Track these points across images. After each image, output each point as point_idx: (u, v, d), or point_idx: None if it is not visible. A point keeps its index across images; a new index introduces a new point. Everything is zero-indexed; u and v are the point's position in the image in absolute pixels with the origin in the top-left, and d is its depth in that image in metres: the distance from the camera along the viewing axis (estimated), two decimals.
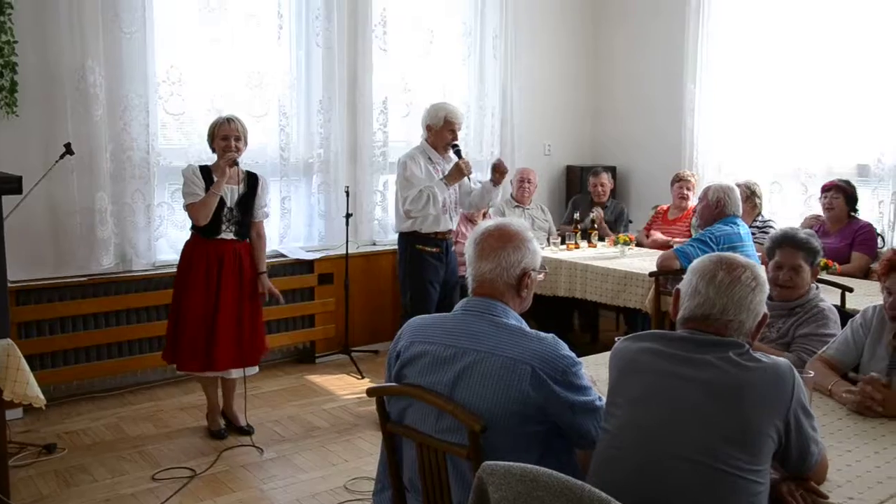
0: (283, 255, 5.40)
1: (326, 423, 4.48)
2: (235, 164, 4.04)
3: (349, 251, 5.52)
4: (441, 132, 4.42)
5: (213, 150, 4.11)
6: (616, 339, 2.08)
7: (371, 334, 5.83)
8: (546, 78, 6.79)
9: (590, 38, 7.06)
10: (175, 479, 3.72)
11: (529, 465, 1.63)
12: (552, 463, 1.78)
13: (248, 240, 4.21)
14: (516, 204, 6.13)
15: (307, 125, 5.50)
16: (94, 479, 3.75)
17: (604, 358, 2.19)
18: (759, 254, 4.28)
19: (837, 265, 4.63)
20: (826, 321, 2.85)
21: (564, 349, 2.00)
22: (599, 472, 1.87)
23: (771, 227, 5.07)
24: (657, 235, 5.61)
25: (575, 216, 5.85)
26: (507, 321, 2.06)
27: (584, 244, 5.62)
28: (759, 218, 5.21)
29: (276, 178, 5.31)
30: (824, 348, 2.72)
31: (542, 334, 2.02)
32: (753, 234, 4.73)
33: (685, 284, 1.97)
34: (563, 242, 5.59)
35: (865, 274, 4.68)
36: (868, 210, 5.16)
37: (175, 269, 4.23)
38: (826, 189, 5.02)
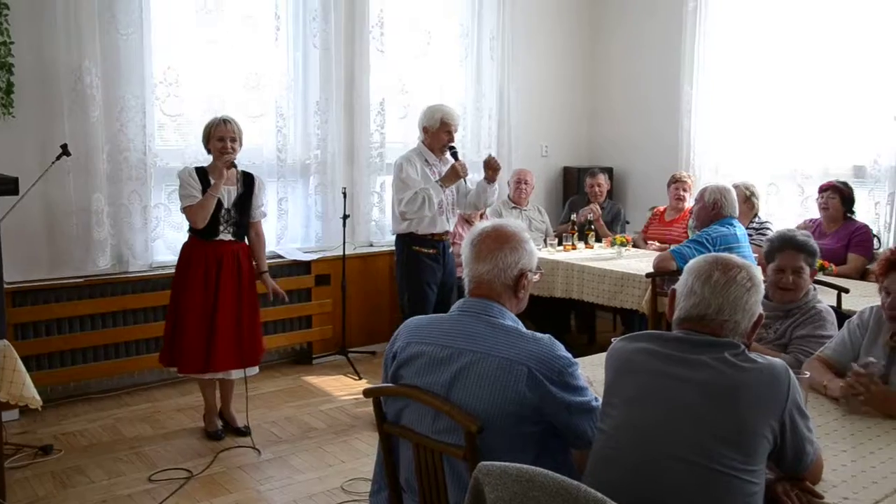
0: (280, 256, 5.40)
1: (323, 424, 4.48)
2: (233, 166, 4.05)
3: (346, 252, 5.53)
4: (437, 134, 4.42)
5: (209, 152, 4.11)
6: (612, 339, 2.08)
7: (368, 335, 5.83)
8: (543, 79, 6.80)
9: (587, 39, 7.07)
10: (171, 481, 3.71)
11: (525, 466, 1.63)
12: (548, 463, 1.78)
13: (245, 240, 4.21)
14: (513, 205, 6.13)
15: (304, 126, 5.50)
16: (91, 480, 3.74)
17: (600, 359, 2.19)
18: (756, 255, 4.29)
19: (834, 266, 4.64)
20: (823, 323, 2.86)
21: (560, 350, 2.00)
22: (595, 472, 1.87)
23: (768, 228, 5.09)
24: (656, 245, 5.58)
25: (572, 217, 5.85)
26: (504, 322, 2.06)
27: (580, 245, 5.63)
28: (756, 219, 5.22)
29: (273, 179, 5.31)
30: (821, 349, 2.73)
31: (539, 335, 2.02)
32: (750, 235, 4.73)
33: (681, 285, 1.97)
34: (560, 243, 5.59)
35: (861, 275, 4.70)
36: (864, 211, 5.17)
37: (171, 271, 4.23)
38: (823, 189, 5.04)
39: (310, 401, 4.86)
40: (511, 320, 2.08)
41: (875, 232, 5.06)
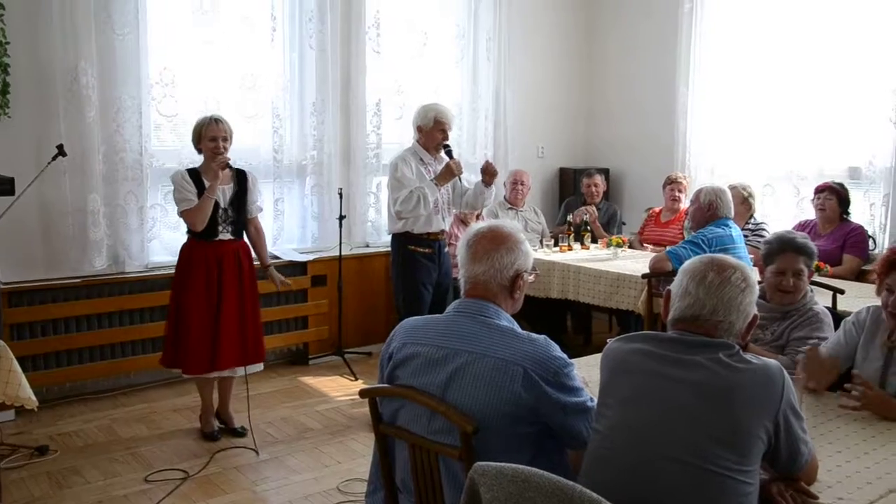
0: (276, 257, 5.38)
1: (319, 425, 4.48)
2: (228, 166, 4.05)
3: (342, 253, 5.53)
4: (431, 132, 4.42)
5: (199, 151, 4.10)
6: (608, 340, 2.09)
7: (364, 336, 5.82)
8: (539, 80, 6.80)
9: (583, 40, 7.08)
10: (167, 481, 3.71)
11: (521, 466, 1.64)
12: (544, 463, 1.78)
13: (244, 238, 4.21)
14: (509, 206, 6.14)
15: (300, 127, 5.50)
16: (87, 480, 3.74)
17: (596, 359, 2.20)
18: (752, 256, 4.30)
19: (829, 267, 4.65)
20: (820, 324, 2.87)
21: (556, 350, 2.01)
22: (590, 472, 1.87)
23: (764, 229, 5.09)
24: (652, 248, 5.57)
25: (568, 218, 5.86)
26: (500, 322, 2.06)
27: (577, 246, 5.63)
28: (752, 220, 5.23)
29: (270, 179, 5.31)
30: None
31: (534, 336, 2.03)
32: (746, 236, 4.74)
33: (676, 285, 1.98)
34: (556, 244, 5.60)
35: (857, 276, 4.71)
36: (860, 212, 5.18)
37: (169, 271, 4.22)
38: (819, 190, 5.04)
39: (306, 401, 4.86)
40: (506, 321, 2.09)
41: (870, 233, 5.07)
